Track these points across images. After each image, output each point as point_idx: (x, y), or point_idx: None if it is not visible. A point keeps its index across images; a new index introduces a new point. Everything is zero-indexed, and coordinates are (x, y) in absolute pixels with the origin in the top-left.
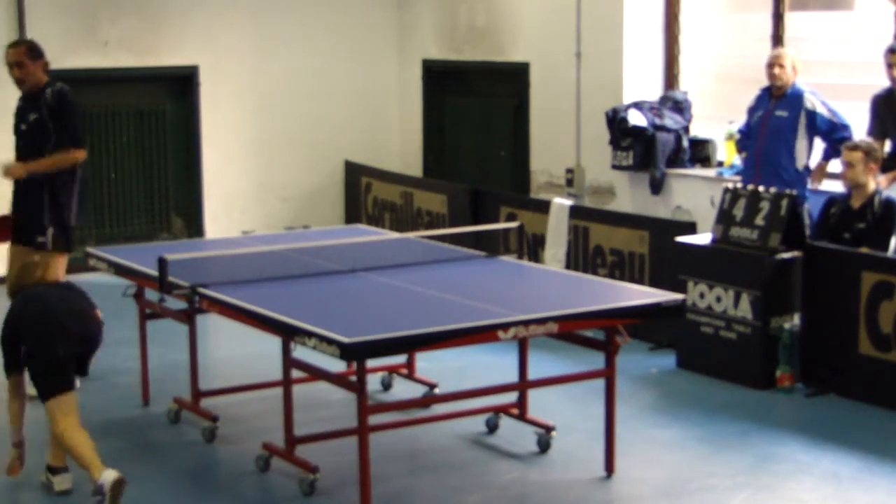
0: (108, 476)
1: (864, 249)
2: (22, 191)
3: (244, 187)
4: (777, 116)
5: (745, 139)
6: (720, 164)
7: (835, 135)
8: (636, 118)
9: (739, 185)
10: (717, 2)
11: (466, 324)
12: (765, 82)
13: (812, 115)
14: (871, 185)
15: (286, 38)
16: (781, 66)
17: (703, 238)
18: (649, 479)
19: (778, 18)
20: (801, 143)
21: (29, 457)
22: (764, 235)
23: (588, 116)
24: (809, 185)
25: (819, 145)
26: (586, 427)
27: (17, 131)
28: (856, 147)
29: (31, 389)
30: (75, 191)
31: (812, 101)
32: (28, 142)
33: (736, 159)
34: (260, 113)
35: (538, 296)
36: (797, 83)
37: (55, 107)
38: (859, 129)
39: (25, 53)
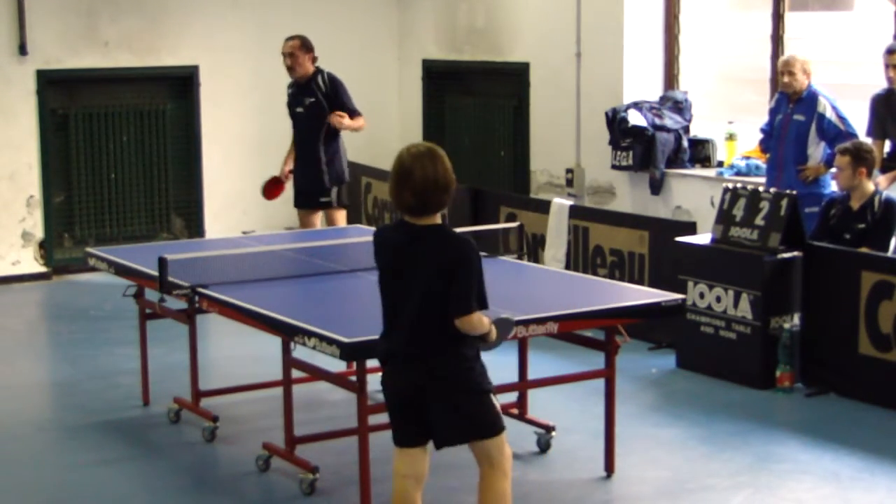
0: None
1: (863, 250)
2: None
3: (244, 187)
4: (796, 120)
5: (768, 139)
6: (720, 164)
7: (839, 142)
8: (636, 118)
9: (761, 187)
10: (717, 2)
11: None
12: (765, 82)
13: (821, 119)
14: (870, 186)
15: (286, 37)
16: (791, 73)
17: (703, 238)
18: (649, 479)
19: (778, 18)
20: (814, 147)
21: None
22: (764, 235)
23: (588, 116)
24: (799, 178)
25: None
26: (586, 427)
27: (294, 114)
28: (845, 151)
29: None
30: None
31: (824, 104)
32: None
33: (736, 159)
34: (260, 113)
35: (538, 296)
36: (813, 85)
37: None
38: (859, 128)
39: (299, 47)
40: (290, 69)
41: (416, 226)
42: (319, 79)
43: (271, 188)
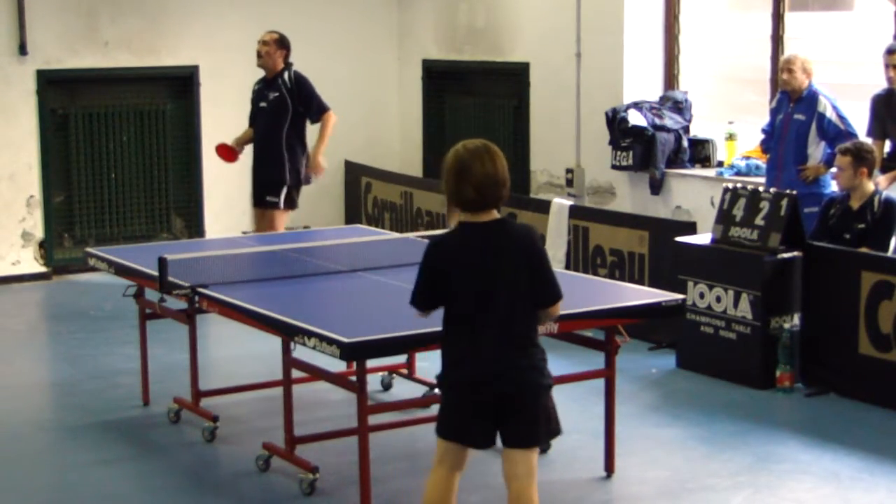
0: None
1: (863, 250)
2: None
3: (245, 187)
4: (796, 120)
5: (769, 139)
6: (720, 164)
7: (839, 142)
8: (636, 118)
9: (762, 187)
10: (717, 2)
11: None
12: (765, 82)
13: (822, 119)
14: (870, 186)
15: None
16: (790, 71)
17: (703, 238)
18: (649, 479)
19: (778, 18)
20: (814, 147)
21: None
22: (764, 235)
23: (588, 116)
24: (799, 178)
25: None
26: (586, 427)
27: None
28: (846, 151)
29: None
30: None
31: (825, 104)
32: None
33: (736, 159)
34: None
35: None
36: (813, 84)
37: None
38: (859, 128)
39: (276, 40)
40: (259, 56)
41: (482, 224)
42: (286, 75)
43: (225, 152)
